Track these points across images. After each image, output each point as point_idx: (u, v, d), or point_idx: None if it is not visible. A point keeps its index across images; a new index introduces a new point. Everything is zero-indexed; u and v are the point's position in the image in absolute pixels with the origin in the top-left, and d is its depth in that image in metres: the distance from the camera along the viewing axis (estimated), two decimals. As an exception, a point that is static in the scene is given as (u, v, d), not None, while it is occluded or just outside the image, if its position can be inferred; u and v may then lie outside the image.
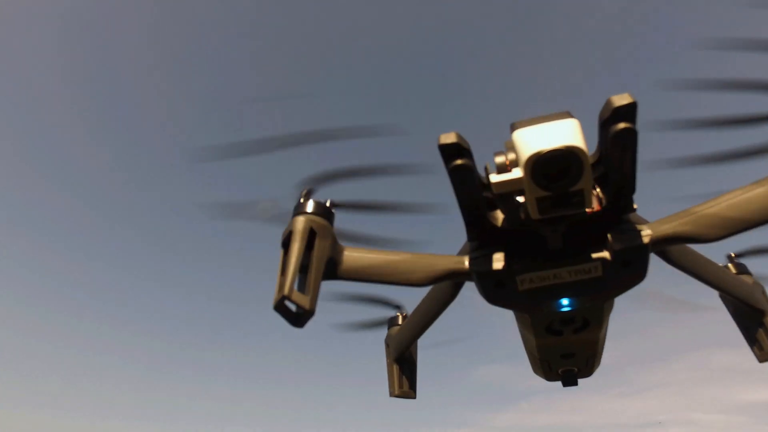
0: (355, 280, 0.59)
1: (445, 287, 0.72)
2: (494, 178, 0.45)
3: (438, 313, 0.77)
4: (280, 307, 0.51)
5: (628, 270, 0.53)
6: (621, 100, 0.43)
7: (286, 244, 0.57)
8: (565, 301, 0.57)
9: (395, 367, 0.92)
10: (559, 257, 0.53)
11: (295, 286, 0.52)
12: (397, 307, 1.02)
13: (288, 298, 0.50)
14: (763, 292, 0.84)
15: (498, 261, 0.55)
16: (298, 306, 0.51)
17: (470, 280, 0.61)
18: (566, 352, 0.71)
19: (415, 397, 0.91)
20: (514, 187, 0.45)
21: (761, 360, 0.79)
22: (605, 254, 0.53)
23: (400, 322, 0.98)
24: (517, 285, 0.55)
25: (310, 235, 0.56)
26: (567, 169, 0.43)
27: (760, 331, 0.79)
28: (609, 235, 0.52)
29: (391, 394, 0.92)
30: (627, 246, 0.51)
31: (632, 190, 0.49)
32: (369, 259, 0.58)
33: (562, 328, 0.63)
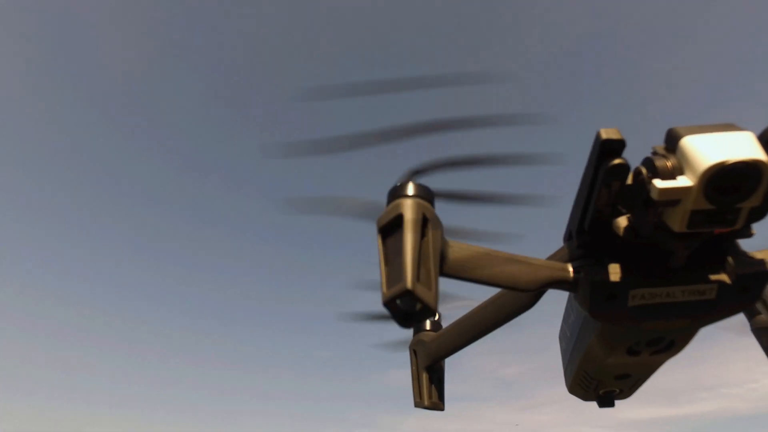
0: (461, 278, 0.53)
1: (521, 294, 0.68)
2: (660, 183, 0.42)
3: (502, 323, 0.73)
4: (392, 303, 0.44)
5: (745, 296, 0.52)
6: None
7: (389, 230, 0.50)
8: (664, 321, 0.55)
9: (425, 376, 0.86)
10: (675, 275, 0.51)
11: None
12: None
13: (412, 292, 0.43)
14: None
15: (615, 273, 0.51)
16: (420, 302, 0.45)
17: (571, 290, 0.57)
18: (624, 372, 0.69)
19: (443, 409, 0.86)
20: (678, 196, 0.42)
21: None
22: (724, 277, 0.51)
23: (428, 327, 0.93)
24: (629, 299, 0.52)
25: (423, 222, 0.49)
26: (740, 184, 0.41)
27: None
28: (730, 258, 0.51)
29: (419, 405, 0.86)
30: (752, 272, 0.50)
31: (765, 216, 0.47)
32: (476, 257, 0.53)
33: (644, 348, 0.60)
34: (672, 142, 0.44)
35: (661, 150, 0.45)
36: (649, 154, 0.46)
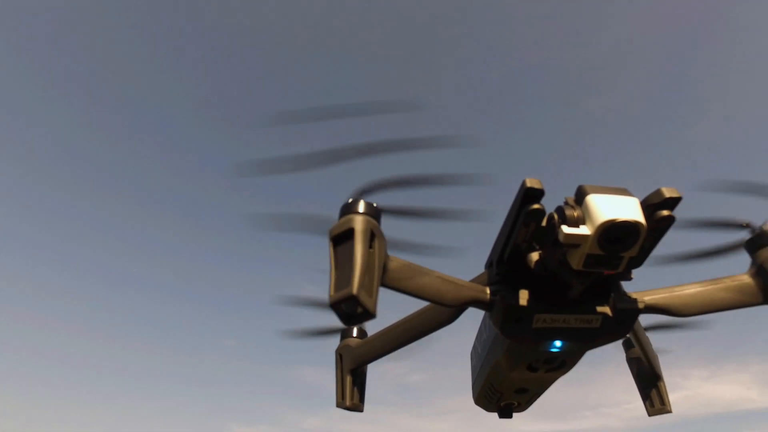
0: (396, 289, 0.60)
1: (443, 310, 0.76)
2: (567, 229, 0.51)
3: (424, 335, 0.80)
4: (337, 305, 0.50)
5: (620, 327, 0.63)
6: (671, 192, 0.53)
7: (339, 240, 0.56)
8: (558, 343, 0.65)
9: (349, 379, 0.92)
10: (571, 305, 0.61)
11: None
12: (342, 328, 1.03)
13: (356, 297, 0.49)
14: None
15: (524, 298, 0.60)
16: (362, 307, 0.51)
17: (487, 309, 0.65)
18: (523, 387, 0.79)
19: (363, 411, 0.92)
20: (578, 241, 0.52)
21: (651, 414, 0.96)
22: (607, 310, 0.62)
23: (354, 334, 0.99)
24: (533, 322, 0.61)
25: (371, 236, 0.56)
26: (624, 238, 0.51)
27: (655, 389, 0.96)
28: (613, 295, 0.62)
29: (341, 405, 0.91)
30: (627, 307, 0.61)
31: (641, 265, 0.59)
32: (411, 271, 0.60)
33: (541, 366, 0.70)
34: (580, 196, 0.54)
35: (571, 201, 0.55)
36: (562, 202, 0.56)
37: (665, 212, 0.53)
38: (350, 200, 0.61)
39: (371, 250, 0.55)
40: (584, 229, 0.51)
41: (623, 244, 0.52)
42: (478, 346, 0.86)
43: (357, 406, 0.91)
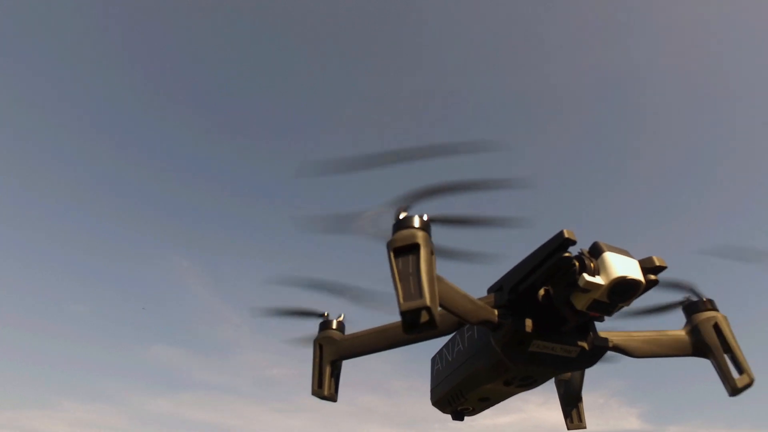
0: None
1: (449, 317, 0.84)
2: (588, 277, 0.62)
3: (414, 341, 0.88)
4: (407, 313, 0.56)
5: (590, 360, 0.76)
6: (660, 262, 0.66)
7: (401, 252, 0.62)
8: (538, 366, 0.77)
9: (328, 369, 0.96)
10: (560, 336, 0.73)
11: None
12: (322, 315, 1.08)
13: (430, 308, 0.55)
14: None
15: (529, 326, 0.71)
16: (432, 316, 0.56)
17: (491, 329, 0.75)
18: (488, 396, 0.90)
19: (336, 401, 0.97)
20: (592, 288, 0.64)
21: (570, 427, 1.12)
22: (585, 345, 0.75)
23: (334, 326, 1.04)
24: (530, 346, 0.72)
25: (431, 253, 0.62)
26: (626, 292, 0.64)
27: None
28: (591, 333, 0.75)
29: (317, 394, 0.95)
30: (601, 345, 0.75)
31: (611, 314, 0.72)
32: (449, 289, 0.68)
33: (516, 382, 0.82)
34: (596, 252, 0.65)
35: (587, 254, 0.66)
36: (578, 251, 0.67)
37: (653, 277, 0.66)
38: (404, 215, 0.67)
39: (434, 266, 0.62)
40: (599, 279, 0.63)
41: (623, 296, 0.64)
42: (448, 355, 0.96)
43: (332, 396, 0.96)
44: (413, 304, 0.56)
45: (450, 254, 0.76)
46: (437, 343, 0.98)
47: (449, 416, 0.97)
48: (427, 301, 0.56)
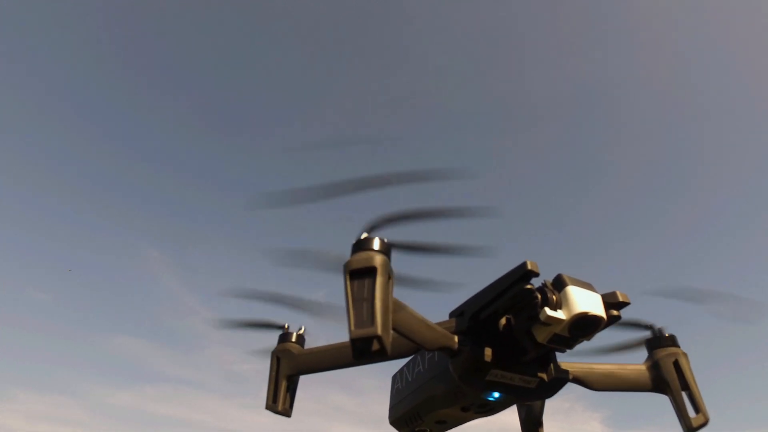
0: (393, 330, 0.65)
1: (406, 342, 0.82)
2: (549, 311, 0.61)
3: (370, 363, 0.86)
4: (357, 341, 0.53)
5: (549, 391, 0.75)
6: (624, 298, 0.65)
7: (357, 275, 0.59)
8: (497, 394, 0.75)
9: (284, 384, 0.93)
10: (520, 366, 0.72)
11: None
12: (282, 327, 1.05)
13: (381, 338, 0.53)
14: None
15: (488, 355, 0.69)
16: (383, 346, 0.54)
17: (450, 355, 0.73)
18: (445, 420, 0.88)
19: (290, 416, 0.94)
20: (554, 322, 0.62)
21: None
22: (545, 376, 0.73)
23: (294, 339, 1.01)
24: (488, 375, 0.70)
25: (388, 278, 0.60)
26: (587, 327, 0.63)
27: None
28: (552, 365, 0.74)
29: (272, 409, 0.92)
30: (561, 377, 0.73)
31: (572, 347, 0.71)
32: (403, 314, 0.66)
33: (474, 408, 0.80)
34: (559, 285, 0.64)
35: (549, 286, 0.65)
36: (541, 282, 0.66)
37: (615, 312, 0.65)
38: (365, 236, 0.65)
39: (389, 291, 0.59)
40: (560, 314, 0.62)
41: (584, 331, 0.63)
42: (409, 375, 0.94)
43: (287, 411, 0.93)
44: (364, 332, 0.54)
45: (411, 282, 0.74)
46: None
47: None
48: (378, 330, 0.53)
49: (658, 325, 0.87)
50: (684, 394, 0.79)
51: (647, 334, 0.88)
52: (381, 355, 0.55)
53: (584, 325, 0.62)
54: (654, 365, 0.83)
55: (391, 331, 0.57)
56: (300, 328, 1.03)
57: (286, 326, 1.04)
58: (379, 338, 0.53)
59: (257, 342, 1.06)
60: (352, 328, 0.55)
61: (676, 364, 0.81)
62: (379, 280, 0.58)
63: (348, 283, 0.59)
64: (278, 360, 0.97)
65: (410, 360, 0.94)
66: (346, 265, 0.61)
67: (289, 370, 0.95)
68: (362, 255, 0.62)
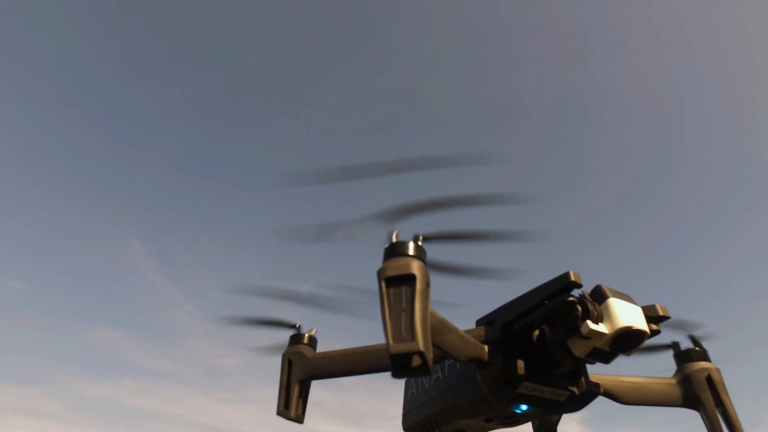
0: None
1: (437, 353, 0.78)
2: (591, 325, 0.58)
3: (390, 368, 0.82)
4: (396, 355, 0.50)
5: (579, 404, 0.72)
6: (664, 312, 0.63)
7: (394, 282, 0.56)
8: (524, 407, 0.72)
9: (296, 388, 0.89)
10: (551, 378, 0.69)
11: None
12: (294, 326, 1.00)
13: (424, 354, 0.48)
14: None
15: (521, 367, 0.66)
16: (426, 362, 0.50)
17: (480, 366, 0.70)
18: (463, 429, 0.85)
19: (303, 423, 0.90)
20: (595, 336, 0.59)
21: None
22: (575, 390, 0.70)
23: (305, 341, 0.97)
24: (519, 388, 0.67)
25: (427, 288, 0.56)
26: (629, 341, 0.60)
27: None
28: (582, 377, 0.71)
29: (284, 415, 0.88)
30: (592, 390, 0.71)
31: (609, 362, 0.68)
32: (439, 325, 0.62)
33: (498, 420, 0.77)
34: (599, 297, 0.61)
35: (589, 298, 0.62)
36: (579, 293, 0.63)
37: (655, 326, 0.62)
38: (395, 238, 0.61)
39: (428, 303, 0.56)
40: (603, 327, 0.59)
41: (626, 346, 0.60)
42: (425, 381, 0.91)
43: (299, 418, 0.89)
44: (404, 347, 0.50)
45: (443, 268, 0.70)
46: None
47: (398, 414, 0.92)
48: (420, 346, 0.50)
49: (693, 334, 0.85)
50: (717, 412, 0.77)
51: (673, 343, 0.86)
52: (422, 371, 0.51)
53: (627, 340, 0.59)
54: (685, 380, 0.81)
55: (431, 346, 0.54)
56: (312, 330, 0.99)
57: (298, 326, 1.00)
58: (421, 354, 0.50)
59: (257, 340, 1.02)
60: (391, 342, 0.51)
61: (710, 380, 0.78)
62: (419, 288, 0.55)
63: (384, 290, 0.55)
64: (290, 363, 0.93)
65: None
66: (381, 272, 0.57)
67: (301, 375, 0.91)
68: (398, 261, 0.58)
